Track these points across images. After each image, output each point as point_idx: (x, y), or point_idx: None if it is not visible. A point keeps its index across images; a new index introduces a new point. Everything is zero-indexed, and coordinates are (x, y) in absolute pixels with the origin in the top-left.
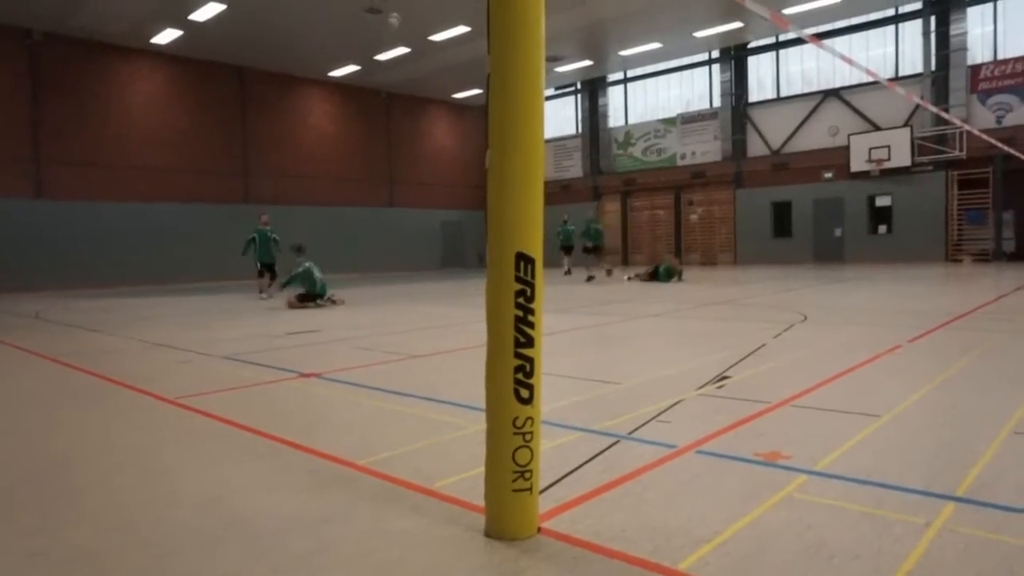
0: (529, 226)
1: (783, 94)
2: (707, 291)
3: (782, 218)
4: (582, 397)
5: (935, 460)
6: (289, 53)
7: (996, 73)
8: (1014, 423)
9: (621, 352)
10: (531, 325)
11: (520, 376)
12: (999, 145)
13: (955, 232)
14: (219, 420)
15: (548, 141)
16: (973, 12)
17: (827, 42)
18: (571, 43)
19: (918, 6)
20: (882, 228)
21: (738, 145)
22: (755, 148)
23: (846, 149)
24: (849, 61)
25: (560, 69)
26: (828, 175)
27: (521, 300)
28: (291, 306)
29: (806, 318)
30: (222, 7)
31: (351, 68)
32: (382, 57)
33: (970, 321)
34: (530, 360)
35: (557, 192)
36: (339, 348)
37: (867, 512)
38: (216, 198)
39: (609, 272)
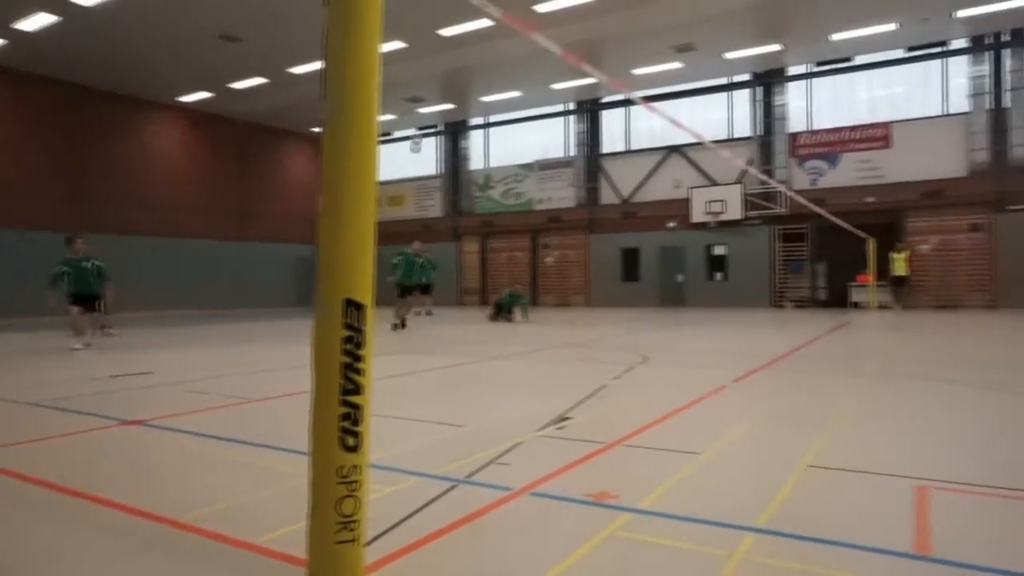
0: (359, 272)
1: (632, 147)
2: (559, 333)
3: (631, 263)
4: (425, 441)
5: (742, 494)
6: (134, 75)
7: (811, 141)
8: (811, 457)
9: (469, 394)
10: (359, 372)
11: (347, 424)
12: (809, 205)
13: (779, 280)
14: (18, 478)
15: (409, 180)
16: (793, 87)
17: (671, 103)
18: (433, 86)
19: (747, 77)
20: (718, 275)
21: (591, 193)
22: (607, 196)
23: (688, 201)
24: (677, 124)
25: (422, 110)
26: (671, 224)
27: (349, 347)
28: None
29: (646, 359)
30: (54, 19)
31: (203, 95)
32: (238, 86)
33: (788, 362)
34: (358, 407)
35: (418, 231)
36: (169, 392)
37: (678, 546)
38: (47, 225)
39: (429, 313)
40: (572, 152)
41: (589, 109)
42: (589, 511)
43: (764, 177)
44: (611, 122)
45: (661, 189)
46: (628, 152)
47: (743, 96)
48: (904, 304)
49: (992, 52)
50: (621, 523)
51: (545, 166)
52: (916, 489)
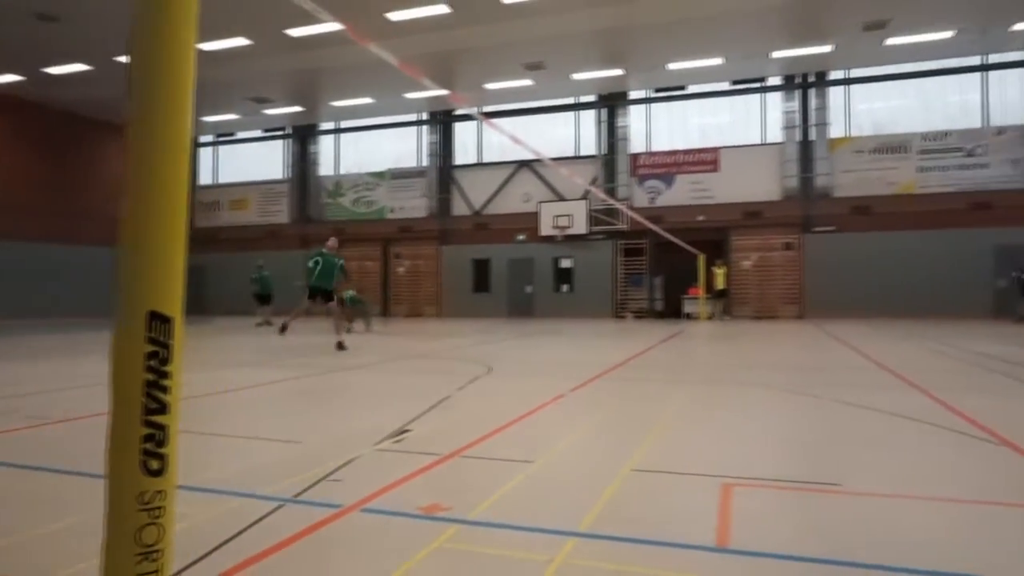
0: (167, 281)
1: (485, 160)
2: (407, 344)
3: (482, 274)
4: (256, 460)
5: (569, 500)
6: None
7: (650, 162)
8: (635, 461)
9: (308, 408)
10: (165, 390)
11: (150, 446)
12: (645, 223)
13: (620, 292)
14: None
15: (254, 184)
16: (634, 110)
17: (523, 119)
18: (281, 87)
19: (593, 98)
20: (565, 287)
21: (443, 203)
22: (459, 207)
23: (536, 215)
24: (516, 140)
25: (269, 111)
26: (521, 237)
27: (153, 363)
28: None
29: (491, 370)
30: None
31: (11, 77)
32: (54, 71)
33: (622, 371)
34: (163, 428)
35: (262, 238)
36: None
37: (503, 555)
38: None
39: (268, 323)
40: (425, 162)
41: (442, 120)
42: (419, 525)
43: (604, 196)
44: (464, 134)
45: (512, 202)
46: (481, 164)
47: (589, 116)
48: (726, 315)
49: (801, 91)
50: (449, 535)
51: (397, 175)
52: (722, 486)
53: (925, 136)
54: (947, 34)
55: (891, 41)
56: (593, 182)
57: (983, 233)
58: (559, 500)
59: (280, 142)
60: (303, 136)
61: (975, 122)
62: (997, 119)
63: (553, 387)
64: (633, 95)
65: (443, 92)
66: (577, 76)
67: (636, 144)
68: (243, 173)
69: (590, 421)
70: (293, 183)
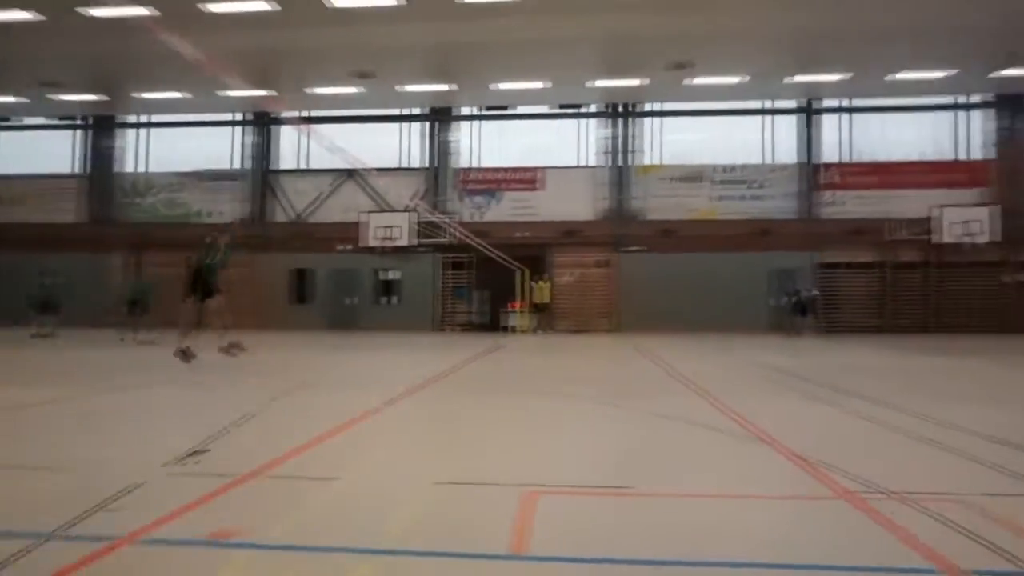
0: None
1: (310, 166)
2: (216, 356)
3: (302, 285)
4: (17, 491)
5: (371, 517)
6: None
7: (477, 178)
8: (441, 475)
9: (89, 429)
10: None
11: None
12: (470, 237)
13: (444, 305)
14: None
15: (34, 177)
16: (464, 125)
17: (349, 126)
18: (77, 71)
19: (423, 111)
20: (388, 299)
21: (262, 209)
22: (280, 214)
23: (362, 225)
24: (334, 149)
25: (63, 97)
26: (346, 247)
27: None
28: None
29: (304, 384)
30: None
31: None
32: None
33: (439, 384)
34: None
35: (44, 238)
36: None
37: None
38: None
39: (47, 336)
40: (243, 164)
41: (266, 122)
42: (206, 553)
43: (428, 209)
44: (289, 137)
45: (337, 211)
46: (305, 171)
47: (418, 129)
48: (546, 328)
49: (617, 119)
50: (240, 562)
51: (211, 176)
52: (525, 495)
53: (718, 169)
54: (737, 79)
55: (697, 81)
56: (422, 195)
57: (764, 257)
58: (360, 518)
59: (72, 132)
60: (102, 128)
61: (758, 159)
62: (778, 157)
63: (367, 401)
64: (463, 111)
65: (260, 93)
66: (408, 88)
67: (464, 159)
68: (24, 164)
69: (401, 435)
70: (86, 179)
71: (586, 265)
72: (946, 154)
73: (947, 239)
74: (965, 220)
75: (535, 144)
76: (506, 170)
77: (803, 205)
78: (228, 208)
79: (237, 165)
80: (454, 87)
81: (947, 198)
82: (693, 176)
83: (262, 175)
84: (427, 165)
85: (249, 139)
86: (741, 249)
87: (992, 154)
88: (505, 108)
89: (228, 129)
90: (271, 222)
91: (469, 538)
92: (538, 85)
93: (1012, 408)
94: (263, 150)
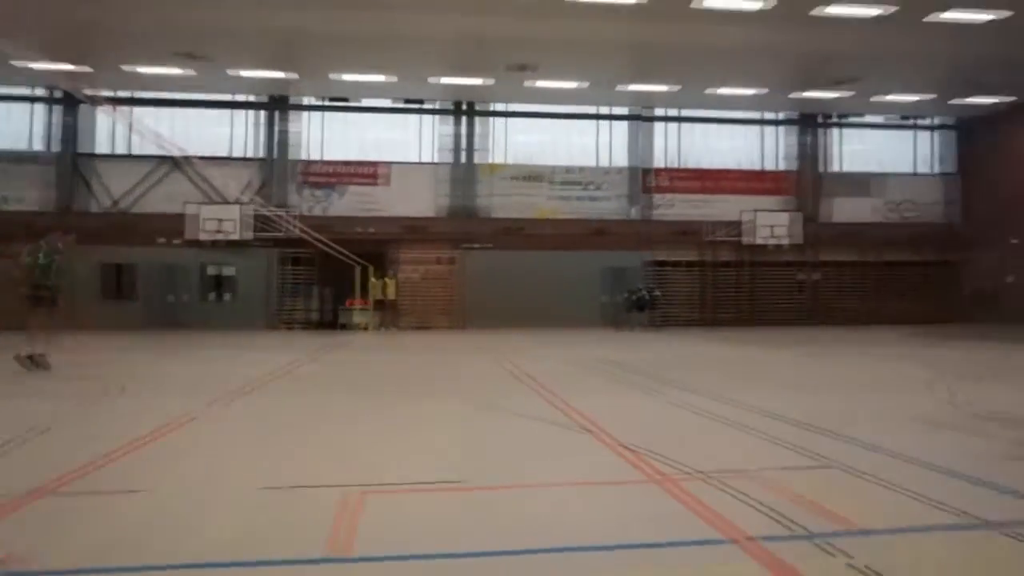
0: None
1: (132, 152)
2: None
3: (119, 280)
4: None
5: (181, 529)
6: None
7: (320, 170)
8: (264, 479)
9: None
10: None
11: None
12: (309, 232)
13: (282, 302)
14: None
15: None
16: (305, 116)
17: (178, 111)
18: None
19: (261, 99)
20: (220, 296)
21: (71, 197)
22: (92, 203)
23: (191, 217)
24: (155, 137)
25: None
26: (173, 240)
27: None
28: None
29: (124, 388)
30: None
31: None
32: None
33: (269, 385)
34: None
35: None
36: None
37: None
38: None
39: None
40: (48, 146)
41: (77, 101)
42: None
43: (260, 203)
44: (106, 120)
45: (162, 202)
46: (125, 156)
47: (253, 117)
48: (389, 326)
49: (464, 117)
50: None
51: (7, 158)
52: (352, 496)
53: (559, 170)
54: (577, 84)
55: (540, 84)
56: (258, 187)
57: (599, 256)
58: (170, 532)
59: None
60: None
61: (594, 162)
62: (612, 161)
63: (186, 406)
64: (305, 101)
65: (68, 67)
66: (243, 74)
67: (306, 151)
68: None
69: (223, 441)
70: None
71: (431, 262)
72: (757, 164)
73: (757, 241)
74: (771, 224)
75: (381, 139)
76: (349, 164)
77: (635, 207)
78: (29, 195)
79: (40, 147)
80: (293, 76)
81: (757, 204)
82: (535, 176)
83: (72, 159)
84: (263, 156)
85: (56, 118)
86: (578, 248)
87: (793, 166)
88: (347, 100)
89: (27, 105)
90: (83, 212)
91: (287, 542)
92: (380, 78)
93: (807, 392)
94: (73, 132)
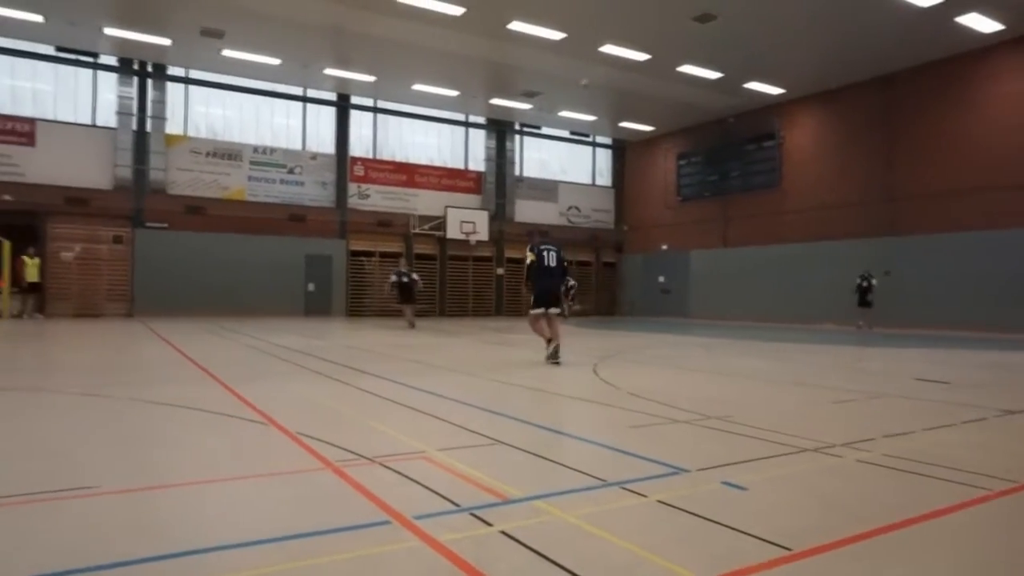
0: None
1: None
2: None
3: None
4: None
5: None
6: None
7: None
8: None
9: None
10: None
11: None
12: None
13: None
14: None
15: None
16: None
17: None
18: None
19: None
20: None
21: None
22: None
23: None
24: None
25: None
26: None
27: None
28: None
29: None
30: None
31: None
32: None
33: None
34: None
35: None
36: None
37: None
38: None
39: None
40: None
41: None
42: None
43: None
44: None
45: None
46: None
47: None
48: (38, 313)
49: (138, 78)
50: None
51: None
52: None
53: (256, 149)
54: (275, 61)
55: (228, 53)
56: None
57: (298, 241)
58: None
59: None
60: None
61: (297, 145)
62: (313, 146)
63: None
64: None
65: None
66: None
67: None
68: None
69: None
70: None
71: (95, 240)
72: (457, 163)
73: (455, 236)
74: (466, 220)
75: (26, 89)
76: None
77: (338, 194)
78: None
79: None
80: None
81: (455, 200)
82: (226, 153)
83: None
84: None
85: None
86: (275, 232)
87: (483, 167)
88: None
89: None
90: None
91: None
92: (33, 17)
93: (478, 377)
94: None
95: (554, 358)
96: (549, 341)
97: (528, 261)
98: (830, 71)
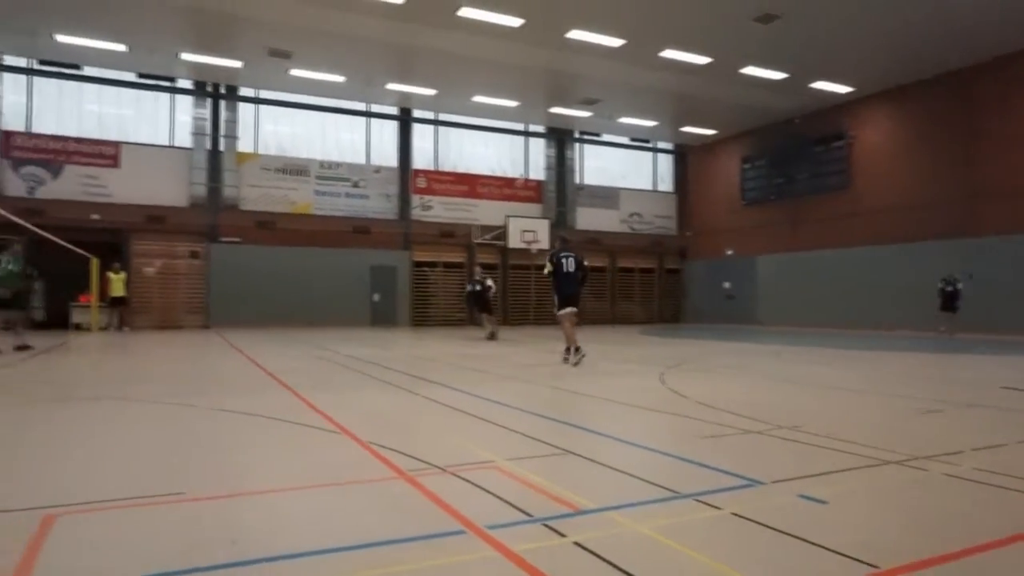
0: None
1: None
2: None
3: None
4: None
5: None
6: None
7: (30, 144)
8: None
9: None
10: None
11: None
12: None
13: None
14: None
15: None
16: (9, 79)
17: None
18: None
19: None
20: None
21: None
22: None
23: None
24: None
25: None
26: None
27: None
28: None
29: None
30: None
31: None
32: None
33: None
34: None
35: None
36: None
37: None
38: None
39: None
40: None
41: None
42: None
43: None
44: None
45: None
46: None
47: None
48: (124, 325)
49: (211, 100)
50: None
51: None
52: (42, 519)
53: (322, 164)
54: (339, 78)
55: (294, 72)
56: None
57: (363, 253)
58: None
59: None
60: None
61: (360, 159)
62: (376, 159)
63: None
64: (9, 61)
65: None
66: None
67: (11, 120)
68: None
69: None
70: None
71: (174, 255)
72: (517, 172)
73: (516, 245)
74: (527, 229)
75: (112, 115)
76: (70, 140)
77: (401, 206)
78: None
79: None
80: None
81: (514, 210)
82: (294, 169)
83: None
84: None
85: None
86: (341, 245)
87: (543, 175)
88: (72, 66)
89: None
90: None
91: None
92: (117, 47)
93: (541, 385)
94: None
95: (575, 357)
96: (575, 350)
97: (546, 271)
98: (900, 67)
